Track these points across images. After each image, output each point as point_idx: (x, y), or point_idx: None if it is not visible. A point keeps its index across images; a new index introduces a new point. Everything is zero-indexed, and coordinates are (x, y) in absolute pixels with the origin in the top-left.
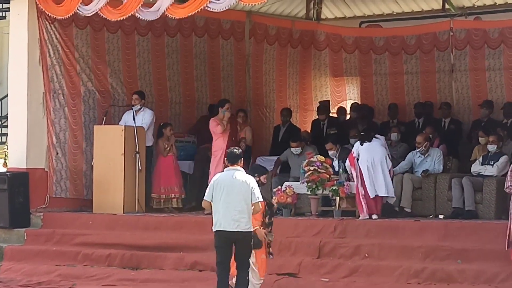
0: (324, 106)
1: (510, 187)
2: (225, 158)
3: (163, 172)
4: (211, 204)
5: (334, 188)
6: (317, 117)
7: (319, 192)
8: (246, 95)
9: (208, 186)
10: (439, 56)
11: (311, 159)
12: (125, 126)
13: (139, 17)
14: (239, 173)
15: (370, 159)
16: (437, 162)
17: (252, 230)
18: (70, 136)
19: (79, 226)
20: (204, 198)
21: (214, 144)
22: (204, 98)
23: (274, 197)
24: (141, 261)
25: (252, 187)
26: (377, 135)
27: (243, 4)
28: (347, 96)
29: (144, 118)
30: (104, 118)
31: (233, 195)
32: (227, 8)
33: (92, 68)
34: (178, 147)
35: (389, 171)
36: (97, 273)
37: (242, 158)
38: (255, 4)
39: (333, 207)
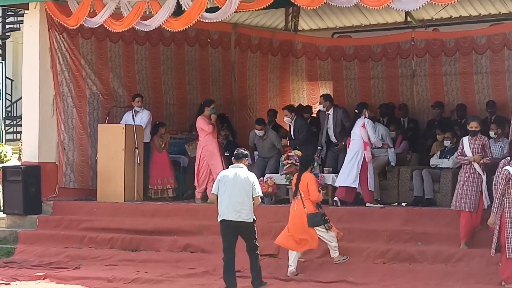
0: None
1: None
2: (233, 157)
3: (159, 166)
4: (217, 197)
5: None
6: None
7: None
8: (232, 98)
9: (215, 181)
10: (401, 63)
11: (289, 153)
12: (125, 125)
13: (138, 29)
14: (242, 170)
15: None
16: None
17: (252, 220)
18: (77, 134)
19: (85, 213)
20: (211, 191)
21: (204, 140)
22: (195, 100)
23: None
24: (140, 243)
25: (253, 183)
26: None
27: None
28: None
29: (142, 118)
30: (107, 117)
31: (236, 189)
32: (220, 19)
33: (96, 74)
34: (172, 143)
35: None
36: (101, 255)
37: (247, 158)
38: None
39: None
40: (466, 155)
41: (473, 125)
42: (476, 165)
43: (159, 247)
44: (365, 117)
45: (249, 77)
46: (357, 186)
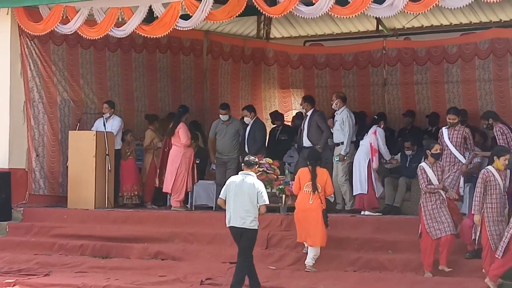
0: (277, 114)
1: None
2: (243, 164)
3: (125, 173)
4: (225, 201)
5: (280, 187)
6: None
7: (268, 190)
8: (204, 105)
9: (224, 187)
10: (373, 72)
11: (261, 161)
12: (96, 131)
13: (114, 35)
14: (249, 177)
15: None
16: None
17: (256, 228)
18: (47, 140)
19: (55, 219)
20: (220, 196)
21: (183, 147)
22: (166, 107)
23: None
24: (110, 251)
25: (259, 191)
26: None
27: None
28: (293, 106)
29: (113, 124)
30: (78, 124)
31: (241, 196)
32: (193, 27)
33: (67, 80)
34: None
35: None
36: (71, 262)
37: (257, 166)
38: (213, 23)
39: (279, 204)
40: (447, 146)
41: (450, 117)
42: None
43: (129, 254)
44: (378, 126)
45: (220, 85)
46: (366, 192)
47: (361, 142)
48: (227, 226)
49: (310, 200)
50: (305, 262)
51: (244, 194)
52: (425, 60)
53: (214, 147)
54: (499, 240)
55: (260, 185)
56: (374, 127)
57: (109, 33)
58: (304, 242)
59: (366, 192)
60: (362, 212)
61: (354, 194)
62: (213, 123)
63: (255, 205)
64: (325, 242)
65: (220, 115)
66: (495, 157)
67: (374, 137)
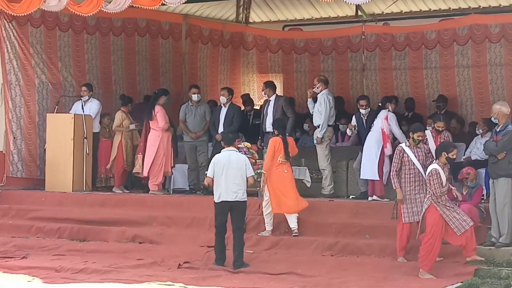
0: (248, 99)
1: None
2: (222, 142)
3: (102, 155)
4: (213, 180)
5: (259, 171)
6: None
7: None
8: (182, 89)
9: (210, 165)
10: (352, 57)
11: (239, 145)
12: (74, 114)
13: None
14: (234, 153)
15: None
16: None
17: (246, 199)
18: (25, 123)
19: (32, 202)
20: (208, 175)
21: (161, 130)
22: (145, 91)
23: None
24: (88, 234)
25: (246, 164)
26: None
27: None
28: None
29: (92, 107)
30: (56, 107)
31: (231, 171)
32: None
33: (45, 63)
34: None
35: None
36: (48, 244)
37: (236, 140)
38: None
39: (257, 188)
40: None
41: (440, 125)
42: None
43: (107, 237)
44: (388, 111)
45: (199, 69)
46: (378, 179)
47: (372, 128)
48: (217, 201)
49: (285, 170)
50: (292, 228)
51: (234, 169)
52: (403, 45)
53: (187, 129)
54: None
55: (245, 159)
56: (384, 112)
57: (103, 9)
58: (266, 224)
59: (378, 179)
60: (370, 198)
61: (362, 178)
62: (181, 106)
63: (244, 178)
64: (300, 209)
65: (193, 95)
66: (443, 153)
67: (386, 123)
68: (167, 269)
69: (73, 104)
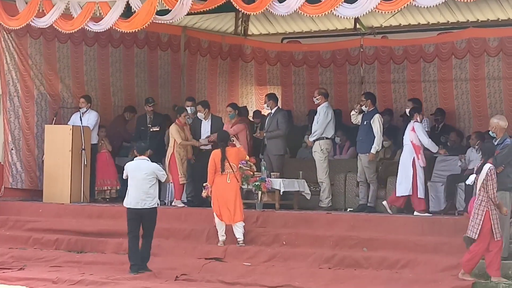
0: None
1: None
2: (135, 150)
3: (100, 167)
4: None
5: (257, 183)
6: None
7: (244, 187)
8: (181, 101)
9: (124, 171)
10: (350, 70)
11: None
12: (73, 126)
13: (89, 30)
14: (144, 162)
15: None
16: None
17: (156, 206)
18: (23, 134)
19: (30, 213)
20: (124, 177)
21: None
22: (143, 102)
23: (204, 191)
24: (85, 245)
25: (155, 171)
26: None
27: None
28: None
29: (90, 119)
30: (54, 118)
31: (140, 180)
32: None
33: (44, 74)
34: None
35: None
36: (46, 256)
37: (149, 150)
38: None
39: (255, 200)
40: None
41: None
42: None
43: (104, 249)
44: (415, 121)
45: (198, 81)
46: (410, 194)
47: (404, 142)
48: (127, 207)
49: (228, 180)
50: (237, 239)
51: (143, 178)
52: (402, 58)
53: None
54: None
55: (155, 166)
56: (411, 124)
57: (85, 27)
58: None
59: (411, 193)
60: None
61: (397, 195)
62: (191, 124)
63: (156, 185)
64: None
65: (187, 107)
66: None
67: (414, 135)
68: (164, 281)
69: (71, 116)
